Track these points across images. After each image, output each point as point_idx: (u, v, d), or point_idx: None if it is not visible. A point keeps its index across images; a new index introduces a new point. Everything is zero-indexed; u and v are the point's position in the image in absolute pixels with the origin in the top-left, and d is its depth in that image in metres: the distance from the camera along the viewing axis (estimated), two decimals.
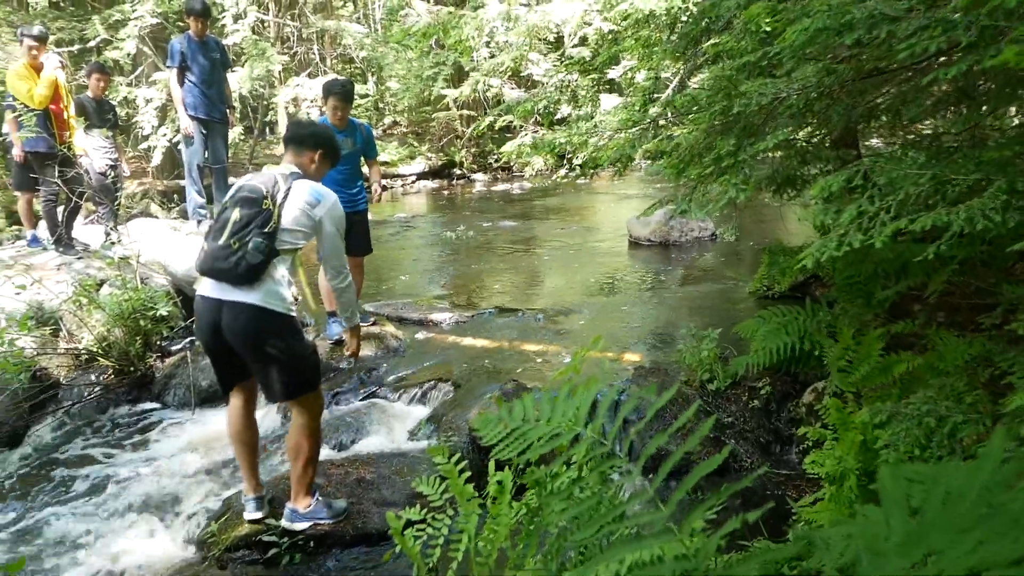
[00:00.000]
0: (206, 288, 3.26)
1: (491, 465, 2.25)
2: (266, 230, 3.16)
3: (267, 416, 4.89)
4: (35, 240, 7.52)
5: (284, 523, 3.47)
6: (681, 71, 5.79)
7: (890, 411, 2.81)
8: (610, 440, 1.75)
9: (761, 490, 3.79)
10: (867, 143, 6.54)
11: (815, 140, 3.90)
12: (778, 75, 2.95)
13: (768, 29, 3.49)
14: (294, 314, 3.35)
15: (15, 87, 6.64)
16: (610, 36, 6.08)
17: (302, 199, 3.28)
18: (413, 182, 18.48)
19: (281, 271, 3.27)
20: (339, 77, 5.97)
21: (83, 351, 5.65)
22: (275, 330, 3.25)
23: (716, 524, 1.90)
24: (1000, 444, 0.95)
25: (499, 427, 1.90)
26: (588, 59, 7.41)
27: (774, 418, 4.40)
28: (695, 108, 3.34)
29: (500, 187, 17.76)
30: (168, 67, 7.68)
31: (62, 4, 17.68)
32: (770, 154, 3.49)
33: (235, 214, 3.17)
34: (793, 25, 2.35)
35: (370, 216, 5.80)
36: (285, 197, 3.24)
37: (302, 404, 3.40)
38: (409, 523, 2.39)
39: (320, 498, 3.57)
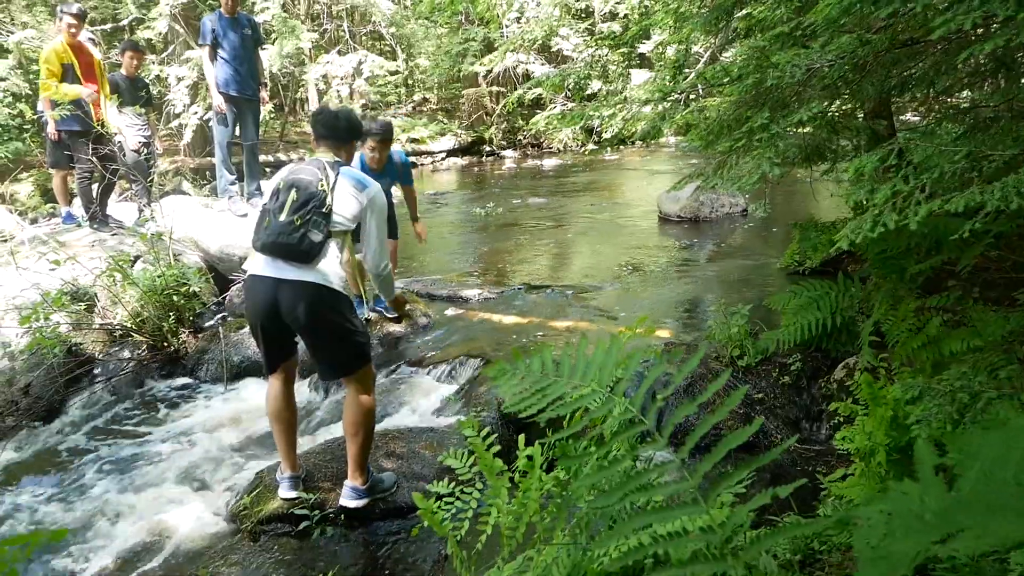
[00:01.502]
0: (260, 267, 3.28)
1: (520, 439, 2.26)
2: (323, 210, 3.21)
3: (301, 390, 4.95)
4: (70, 217, 7.64)
5: (344, 501, 3.48)
6: (712, 45, 5.70)
7: (922, 387, 2.77)
8: (636, 407, 1.71)
9: (791, 466, 3.78)
10: (901, 116, 6.41)
11: (846, 110, 3.82)
12: (811, 46, 2.89)
13: None
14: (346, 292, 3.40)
15: (48, 70, 6.71)
16: (641, 8, 6.00)
17: (350, 185, 3.35)
18: (443, 159, 18.47)
19: (335, 251, 3.32)
20: (380, 118, 5.93)
21: (117, 327, 5.74)
22: (335, 307, 3.31)
23: (745, 499, 1.90)
24: None
25: (516, 379, 1.83)
26: (618, 33, 7.32)
27: (804, 394, 4.36)
28: (726, 80, 3.29)
29: (530, 163, 17.70)
30: (200, 45, 7.72)
31: None
32: (800, 130, 3.44)
33: (292, 194, 3.21)
34: None
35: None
36: (335, 182, 3.30)
37: (360, 379, 3.43)
38: (438, 496, 2.41)
39: (373, 473, 3.61)
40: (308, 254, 3.19)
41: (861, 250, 4.90)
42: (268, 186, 3.51)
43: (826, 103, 2.95)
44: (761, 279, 6.50)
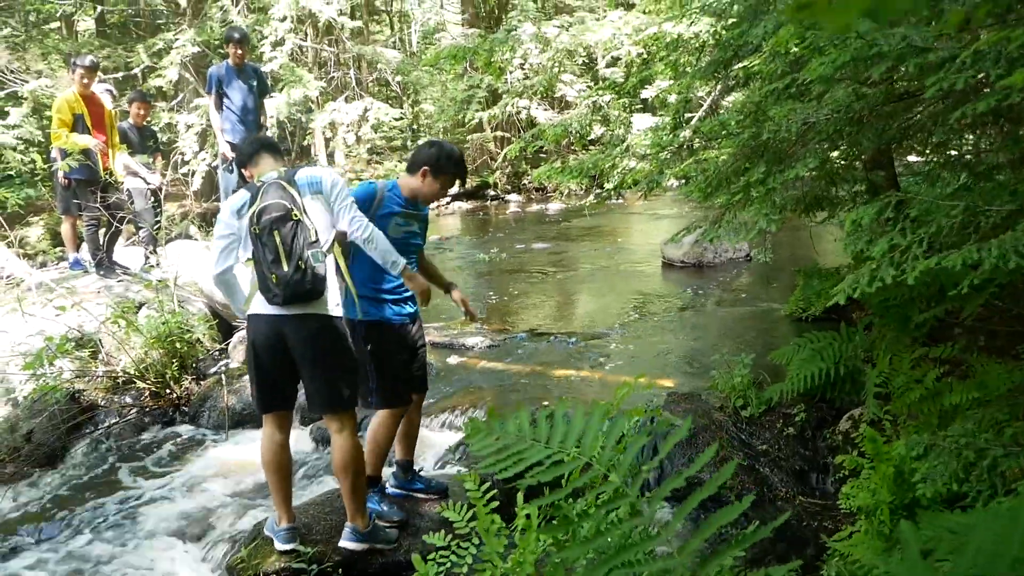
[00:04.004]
0: (264, 307, 3.29)
1: (519, 496, 2.23)
2: (312, 240, 3.22)
3: (298, 441, 4.92)
4: (77, 263, 7.69)
5: (343, 543, 3.45)
6: (713, 93, 5.77)
7: (927, 442, 2.74)
8: (622, 471, 1.69)
9: (796, 521, 3.72)
10: (904, 160, 6.43)
11: (845, 161, 3.85)
12: (807, 100, 2.92)
13: (798, 52, 3.46)
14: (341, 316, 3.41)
15: (59, 119, 6.82)
16: (641, 59, 6.09)
17: (311, 196, 3.32)
18: (448, 204, 18.60)
19: (330, 273, 3.33)
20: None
21: (121, 373, 5.75)
22: (341, 337, 3.35)
23: (749, 562, 1.87)
24: None
25: (490, 440, 1.79)
26: (620, 81, 7.41)
27: (810, 446, 4.31)
28: (724, 133, 3.32)
29: (534, 208, 17.81)
30: (207, 93, 7.85)
31: (108, 32, 18.23)
32: (798, 180, 3.45)
33: (277, 237, 3.19)
34: (820, 55, 2.33)
35: None
36: (303, 204, 3.26)
37: (347, 419, 3.43)
38: (434, 548, 2.38)
39: (377, 522, 3.58)
40: (320, 292, 3.24)
41: (864, 299, 4.90)
42: (227, 219, 3.36)
43: (823, 156, 2.96)
44: (765, 326, 6.48)
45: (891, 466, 2.94)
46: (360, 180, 17.61)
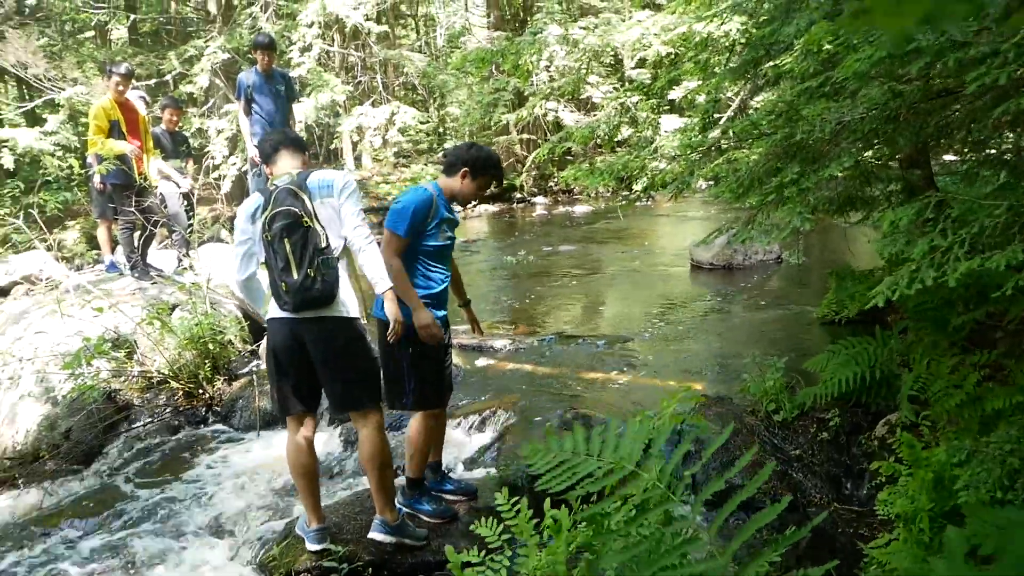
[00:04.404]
0: (278, 311, 3.34)
1: (547, 503, 2.22)
2: (323, 246, 3.23)
3: (327, 443, 4.95)
4: (113, 266, 7.82)
5: (372, 534, 3.50)
6: (742, 93, 5.70)
7: (969, 449, 2.68)
8: (665, 478, 1.73)
9: (831, 527, 3.66)
10: (939, 159, 6.32)
11: (880, 160, 3.78)
12: (840, 99, 2.87)
13: (831, 48, 3.40)
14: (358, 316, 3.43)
15: (96, 126, 6.93)
16: (669, 59, 6.04)
17: (324, 200, 3.32)
18: (474, 206, 18.59)
19: (343, 274, 3.36)
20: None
21: (155, 374, 5.83)
22: (357, 336, 3.39)
23: (781, 567, 1.84)
24: None
25: (548, 457, 1.91)
26: (648, 82, 7.37)
27: (844, 451, 4.23)
28: (755, 133, 3.27)
29: (561, 210, 17.76)
30: (236, 98, 7.94)
31: (140, 40, 18.51)
32: (831, 180, 3.39)
33: (287, 245, 3.21)
34: (855, 53, 2.28)
35: None
36: (313, 209, 3.27)
37: (371, 416, 3.47)
38: (467, 564, 2.37)
39: (406, 518, 3.61)
40: (332, 297, 3.27)
41: (900, 302, 4.81)
42: (243, 225, 3.40)
43: (858, 156, 2.90)
44: (797, 329, 6.39)
45: (931, 472, 2.87)
46: (387, 182, 17.69)
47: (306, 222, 3.22)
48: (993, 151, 3.80)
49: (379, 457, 3.46)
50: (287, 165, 3.46)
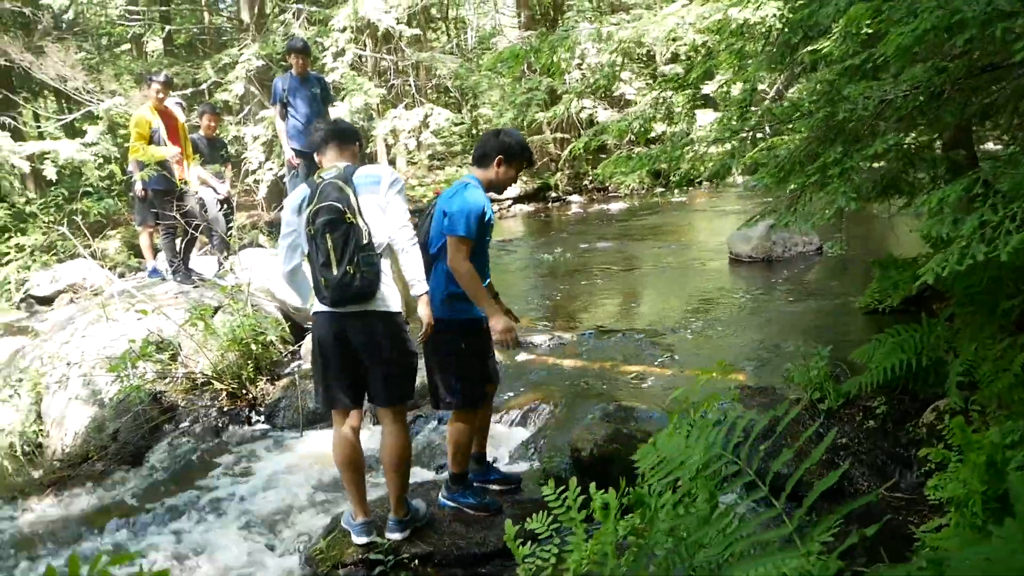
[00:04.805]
0: (322, 305, 3.38)
1: (592, 486, 2.22)
2: (364, 243, 3.25)
3: (371, 439, 4.98)
4: (155, 272, 7.95)
5: (389, 535, 3.53)
6: (778, 81, 5.64)
7: (1022, 430, 2.61)
8: (730, 455, 1.77)
9: (879, 514, 3.60)
10: (982, 147, 6.18)
11: (923, 142, 3.70)
12: (883, 77, 2.83)
13: (870, 31, 3.35)
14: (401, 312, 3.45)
15: (137, 133, 7.08)
16: (703, 49, 5.98)
17: (370, 196, 3.34)
18: (509, 206, 18.63)
19: (385, 267, 3.37)
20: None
21: (199, 375, 5.92)
22: (397, 330, 3.41)
23: (831, 549, 1.83)
24: None
25: (653, 456, 2.04)
26: (681, 75, 7.31)
27: (891, 439, 4.17)
28: (796, 116, 3.23)
29: (596, 208, 17.70)
30: (271, 104, 8.04)
31: (176, 51, 18.85)
32: (874, 164, 3.34)
33: (329, 241, 3.24)
34: (898, 27, 2.25)
35: None
36: (358, 205, 3.28)
37: (400, 413, 3.53)
38: (522, 558, 2.38)
39: (411, 505, 3.65)
40: (371, 293, 3.28)
41: (946, 287, 4.71)
42: (288, 217, 3.45)
43: (902, 135, 2.85)
44: (839, 320, 6.31)
45: (983, 455, 2.81)
46: (422, 184, 17.77)
47: (349, 218, 3.24)
48: None
49: (404, 456, 3.52)
50: (335, 157, 3.50)
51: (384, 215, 3.36)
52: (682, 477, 1.85)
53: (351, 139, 3.59)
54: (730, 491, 1.92)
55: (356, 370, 3.45)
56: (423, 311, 3.41)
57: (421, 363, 3.70)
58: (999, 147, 6.76)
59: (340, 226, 3.24)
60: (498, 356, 5.82)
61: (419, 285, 3.37)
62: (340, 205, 3.24)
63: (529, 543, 2.44)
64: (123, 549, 4.08)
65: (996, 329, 3.83)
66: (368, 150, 19.06)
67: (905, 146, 3.42)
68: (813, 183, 2.93)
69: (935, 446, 3.43)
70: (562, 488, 2.37)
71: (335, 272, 3.23)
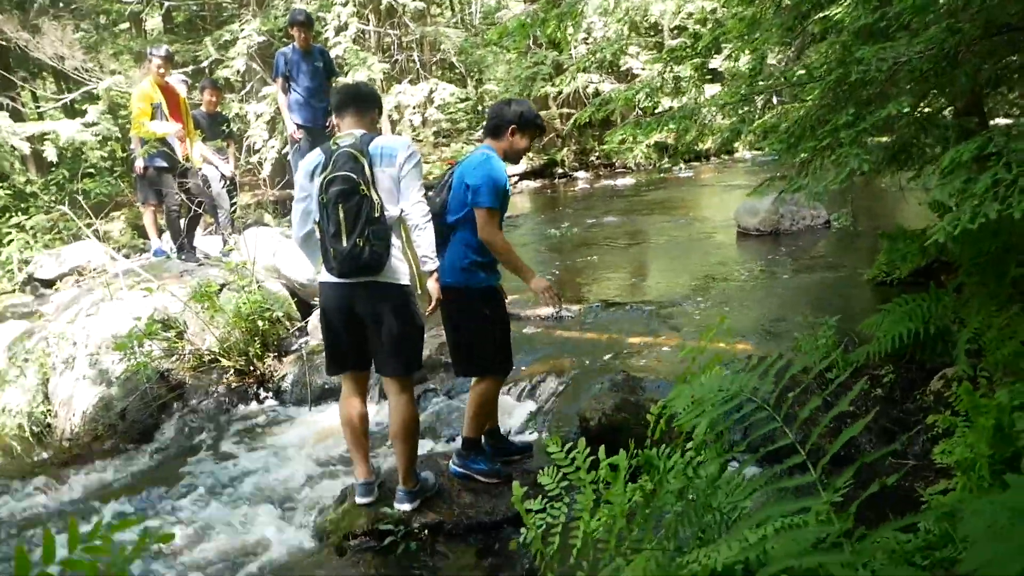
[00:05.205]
0: (329, 274, 3.38)
1: (601, 450, 2.22)
2: (376, 216, 3.23)
3: (381, 411, 5.00)
4: (159, 251, 7.93)
5: (398, 505, 3.56)
6: (788, 53, 5.58)
7: None
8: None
9: (885, 476, 3.60)
10: (992, 121, 6.13)
11: (935, 108, 3.66)
12: (898, 38, 2.78)
13: None
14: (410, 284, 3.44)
15: (139, 109, 7.04)
16: (712, 17, 5.91)
17: (385, 168, 3.31)
18: (516, 182, 18.55)
19: (395, 241, 3.37)
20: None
21: (206, 352, 5.92)
22: (405, 303, 3.40)
23: (842, 508, 1.83)
24: None
25: (686, 396, 2.04)
26: (688, 45, 7.23)
27: (899, 407, 4.17)
28: (808, 80, 3.19)
29: (603, 184, 17.63)
30: (273, 79, 7.97)
31: (175, 28, 18.72)
32: (883, 138, 3.30)
33: (340, 212, 3.22)
34: None
35: None
36: (372, 176, 3.26)
37: (406, 385, 3.53)
38: (531, 512, 2.39)
39: (419, 476, 3.67)
40: (378, 266, 3.28)
41: (955, 258, 4.69)
42: (302, 181, 3.44)
43: (917, 96, 2.82)
44: (848, 291, 6.28)
45: (991, 419, 2.81)
46: (427, 161, 17.69)
47: (363, 190, 3.22)
48: None
49: (412, 426, 3.53)
50: (353, 124, 3.46)
51: (398, 189, 3.33)
52: (713, 422, 1.85)
53: (371, 105, 3.55)
54: (751, 449, 1.95)
55: (362, 339, 3.46)
56: (432, 286, 3.45)
57: (435, 336, 3.72)
58: (1010, 121, 6.69)
59: (352, 197, 3.22)
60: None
61: (430, 262, 3.40)
62: (354, 176, 3.22)
63: (540, 499, 2.45)
64: (132, 524, 4.10)
65: (1005, 298, 3.81)
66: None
67: (917, 113, 3.38)
68: (824, 147, 2.91)
69: (943, 413, 3.43)
70: (570, 445, 2.38)
71: (344, 244, 3.23)
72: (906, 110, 2.64)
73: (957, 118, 3.79)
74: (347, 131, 3.42)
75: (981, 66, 2.78)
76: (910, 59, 2.53)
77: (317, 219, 3.37)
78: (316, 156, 3.40)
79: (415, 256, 3.44)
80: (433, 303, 3.49)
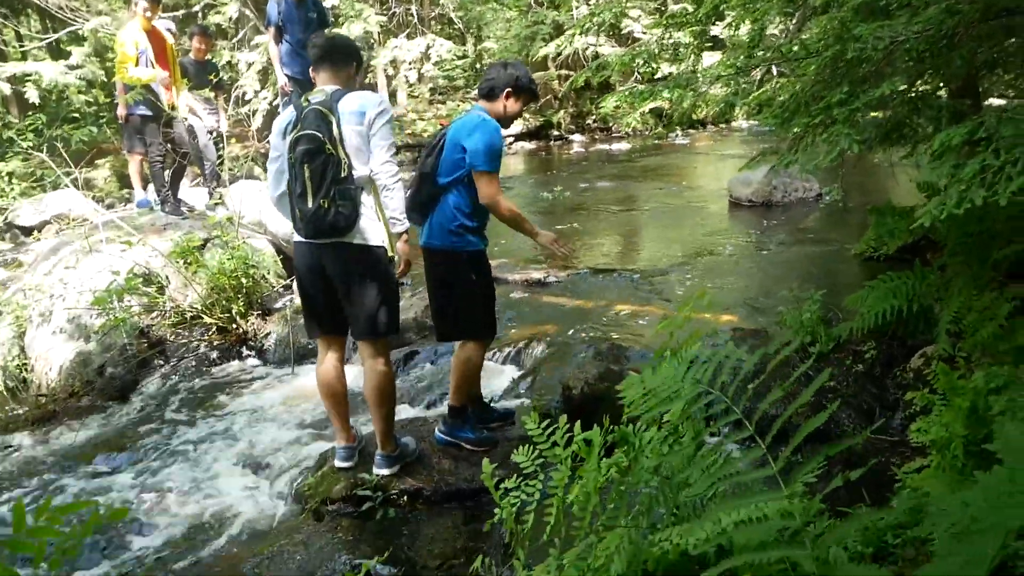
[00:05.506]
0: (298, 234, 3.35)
1: (577, 426, 2.22)
2: (342, 176, 3.17)
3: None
4: (145, 202, 7.77)
5: (377, 471, 3.54)
6: (789, 25, 5.49)
7: (1007, 376, 2.62)
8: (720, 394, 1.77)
9: (864, 456, 3.63)
10: (987, 102, 6.09)
11: (929, 89, 3.62)
12: (897, 16, 2.74)
13: None
14: (384, 245, 3.38)
15: (123, 54, 6.86)
16: None
17: (352, 123, 3.22)
18: (511, 144, 18.39)
19: (366, 201, 3.31)
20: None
21: (188, 309, 5.85)
22: (374, 264, 3.34)
23: (815, 490, 1.84)
24: None
25: (639, 388, 2.03)
26: (689, 12, 7.11)
27: (879, 383, 4.20)
28: (804, 55, 3.14)
29: (598, 148, 17.50)
30: (265, 27, 7.80)
31: None
32: (877, 114, 3.26)
33: (306, 171, 3.16)
34: None
35: None
36: (340, 133, 3.18)
37: (381, 347, 3.48)
38: (506, 491, 2.39)
39: (400, 441, 3.66)
40: (346, 227, 3.21)
41: (941, 236, 4.69)
42: (275, 140, 3.38)
43: (913, 76, 2.78)
44: (835, 265, 6.29)
45: (966, 400, 2.84)
46: (422, 119, 17.48)
47: (329, 149, 3.15)
48: None
49: (387, 390, 3.49)
50: (327, 79, 3.38)
51: (368, 148, 3.26)
52: (667, 413, 1.84)
53: (347, 59, 3.44)
54: (716, 429, 1.92)
55: (336, 300, 3.42)
56: (401, 247, 3.41)
57: (421, 298, 3.68)
58: (1004, 102, 6.66)
59: (318, 157, 3.14)
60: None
61: (400, 223, 3.33)
62: (320, 134, 3.14)
63: (515, 477, 2.46)
64: (108, 485, 4.07)
65: (986, 280, 3.82)
66: (368, 80, 18.72)
67: (912, 93, 3.34)
68: (817, 124, 2.88)
69: (921, 390, 3.46)
70: (547, 422, 2.37)
71: (310, 204, 3.17)
72: (901, 88, 2.60)
73: (951, 99, 3.76)
74: (320, 87, 3.34)
75: (978, 49, 2.74)
76: (908, 39, 2.49)
77: (286, 182, 3.31)
78: (287, 114, 3.33)
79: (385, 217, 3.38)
80: (402, 265, 3.47)
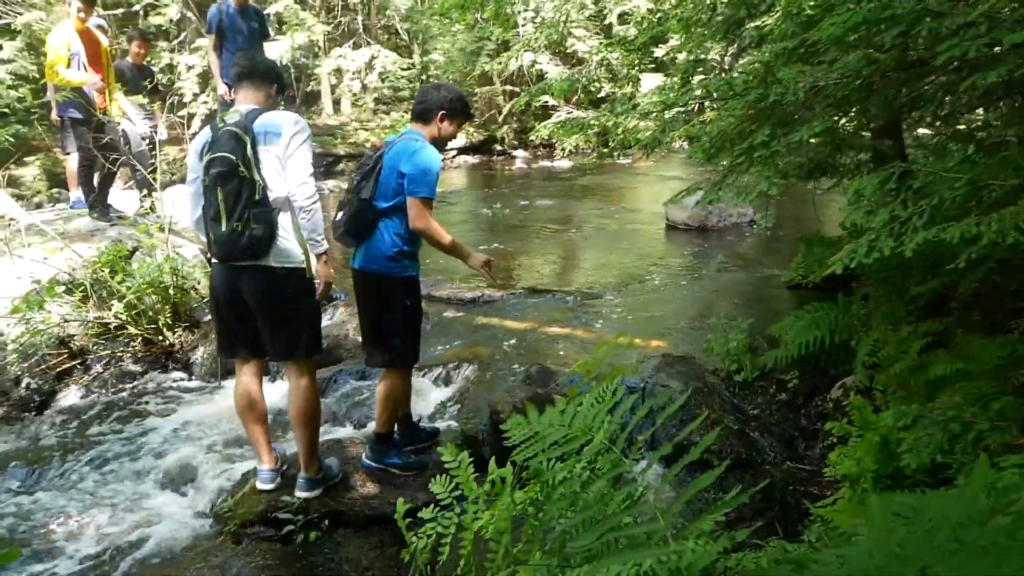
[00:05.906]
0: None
1: (491, 462, 2.22)
2: (256, 198, 3.13)
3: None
4: (80, 202, 7.56)
5: (299, 493, 3.49)
6: (725, 55, 5.63)
7: (915, 414, 2.73)
8: (622, 439, 1.79)
9: (783, 486, 3.72)
10: (914, 133, 6.33)
11: (852, 128, 3.76)
12: (816, 63, 2.84)
13: (811, 12, 3.36)
14: (304, 267, 3.34)
15: (55, 55, 6.67)
16: (654, 14, 5.93)
17: (268, 144, 3.18)
18: (453, 157, 18.38)
19: (284, 222, 3.26)
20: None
21: (112, 319, 5.67)
22: (293, 287, 3.31)
23: (729, 525, 1.88)
24: (981, 477, 0.92)
25: (525, 429, 2.03)
26: (631, 37, 7.25)
27: (801, 412, 4.31)
28: (730, 94, 3.24)
29: (540, 164, 17.61)
30: (206, 33, 7.70)
31: None
32: (803, 145, 3.37)
33: (220, 194, 3.12)
34: (832, 15, 2.25)
35: None
36: (254, 155, 3.14)
37: (304, 367, 3.45)
38: (422, 521, 2.38)
39: (323, 463, 3.62)
40: (260, 251, 3.18)
41: (863, 270, 4.86)
42: (192, 161, 3.33)
43: (830, 122, 2.88)
44: (765, 292, 6.44)
45: (877, 435, 2.94)
46: (366, 128, 17.34)
47: (242, 172, 3.10)
48: (963, 126, 3.81)
49: (311, 411, 3.46)
50: (245, 98, 3.34)
51: (284, 169, 3.21)
52: (544, 456, 1.90)
53: (266, 80, 3.40)
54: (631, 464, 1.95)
55: (253, 323, 3.37)
56: (323, 270, 3.38)
57: (352, 316, 3.64)
58: (929, 132, 6.93)
59: (231, 180, 3.11)
60: (425, 311, 5.80)
61: (319, 245, 3.32)
62: (233, 157, 3.10)
63: (432, 507, 2.44)
64: (19, 502, 3.92)
65: (904, 314, 3.97)
66: (310, 89, 18.53)
67: (835, 132, 3.46)
68: (741, 163, 2.95)
69: (839, 421, 3.56)
70: (461, 455, 2.37)
71: (223, 228, 3.14)
72: (818, 131, 2.69)
73: (874, 139, 3.90)
74: (237, 107, 3.30)
75: (896, 94, 2.85)
76: (827, 84, 2.58)
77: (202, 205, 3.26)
78: (204, 135, 3.28)
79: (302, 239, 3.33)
80: (322, 287, 3.44)
